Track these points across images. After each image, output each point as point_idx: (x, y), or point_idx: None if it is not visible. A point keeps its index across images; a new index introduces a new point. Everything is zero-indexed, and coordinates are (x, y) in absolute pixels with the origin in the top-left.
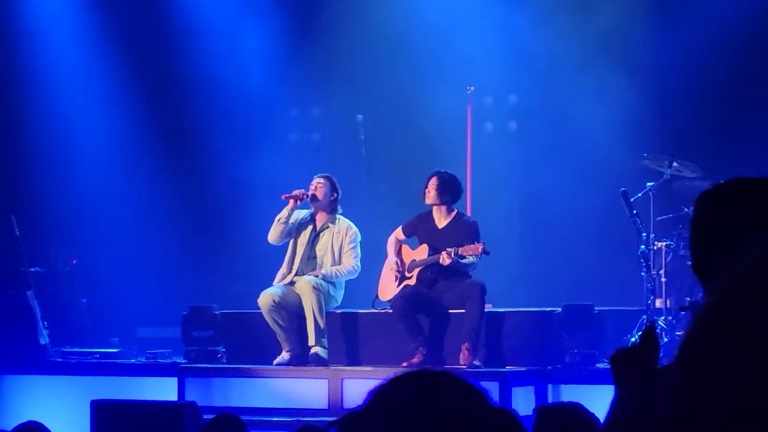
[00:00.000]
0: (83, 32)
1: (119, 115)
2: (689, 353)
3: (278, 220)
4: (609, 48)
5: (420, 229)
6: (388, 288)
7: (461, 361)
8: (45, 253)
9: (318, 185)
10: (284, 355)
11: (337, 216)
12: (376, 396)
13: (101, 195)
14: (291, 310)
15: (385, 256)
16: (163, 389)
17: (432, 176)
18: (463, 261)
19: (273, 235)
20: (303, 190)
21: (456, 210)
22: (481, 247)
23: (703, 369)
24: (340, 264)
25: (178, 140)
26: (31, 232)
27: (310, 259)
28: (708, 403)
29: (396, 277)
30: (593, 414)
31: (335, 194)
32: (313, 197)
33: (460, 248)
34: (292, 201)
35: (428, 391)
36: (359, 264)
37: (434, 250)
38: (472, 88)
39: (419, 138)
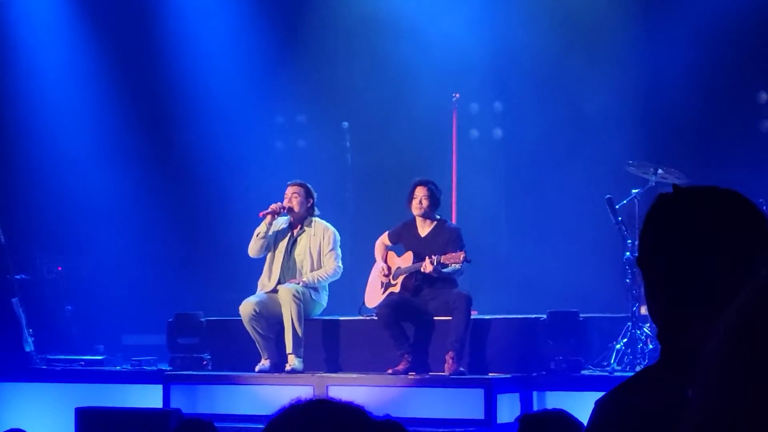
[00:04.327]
0: (70, 41)
1: (104, 122)
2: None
3: (257, 235)
4: (594, 55)
5: (404, 236)
6: (373, 295)
7: (446, 370)
8: (30, 261)
9: (293, 196)
10: (264, 362)
11: (313, 219)
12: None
13: (86, 202)
14: (271, 319)
15: (371, 262)
16: (149, 396)
17: (419, 185)
18: (446, 270)
19: (253, 250)
20: (280, 204)
21: (439, 217)
22: (462, 256)
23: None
24: (320, 267)
25: (164, 148)
26: (16, 239)
27: (290, 266)
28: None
29: (382, 284)
30: (577, 419)
31: (311, 200)
32: (290, 209)
33: (443, 256)
34: (270, 216)
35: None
36: (341, 265)
37: (418, 258)
38: (457, 95)
39: (405, 145)
